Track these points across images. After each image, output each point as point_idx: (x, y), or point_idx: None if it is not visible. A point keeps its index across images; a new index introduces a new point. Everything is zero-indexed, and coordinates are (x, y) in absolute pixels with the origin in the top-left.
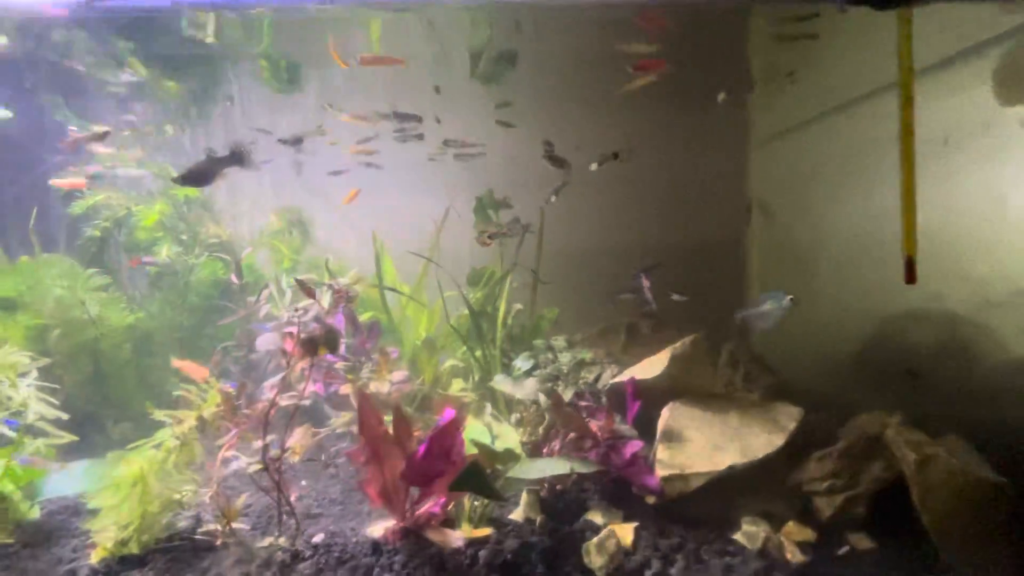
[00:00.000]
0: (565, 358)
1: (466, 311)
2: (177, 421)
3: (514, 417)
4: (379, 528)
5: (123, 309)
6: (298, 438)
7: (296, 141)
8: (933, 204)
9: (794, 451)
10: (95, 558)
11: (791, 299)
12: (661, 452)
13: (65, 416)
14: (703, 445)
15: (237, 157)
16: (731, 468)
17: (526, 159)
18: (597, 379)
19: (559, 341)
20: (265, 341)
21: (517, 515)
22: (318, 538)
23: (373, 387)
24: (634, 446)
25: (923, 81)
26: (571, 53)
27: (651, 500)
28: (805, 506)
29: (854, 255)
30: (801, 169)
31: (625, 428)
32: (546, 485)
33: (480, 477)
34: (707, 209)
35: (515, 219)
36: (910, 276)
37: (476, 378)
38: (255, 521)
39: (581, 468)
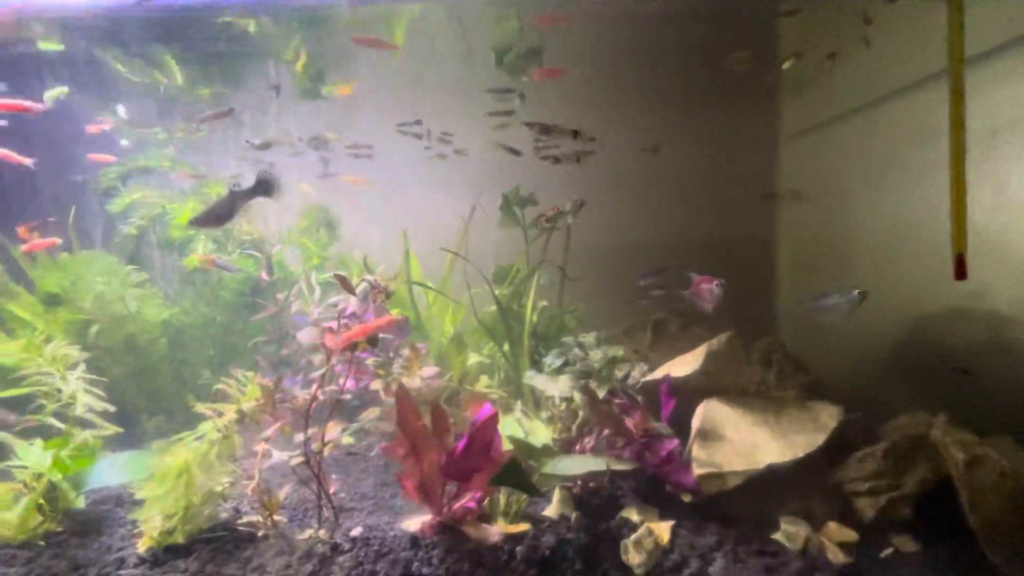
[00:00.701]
0: (596, 355)
1: (490, 308)
2: (218, 414)
3: (545, 414)
4: (416, 522)
5: (159, 304)
6: (334, 433)
7: (264, 146)
8: (981, 198)
9: (833, 451)
10: (142, 547)
11: (860, 293)
12: (697, 450)
13: (112, 408)
14: (740, 443)
15: (263, 186)
16: (770, 467)
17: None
18: (626, 377)
19: (588, 338)
20: (305, 335)
21: (551, 511)
22: (356, 531)
23: (404, 383)
24: (670, 444)
25: (971, 71)
26: (599, 48)
27: (687, 498)
28: (845, 507)
29: (893, 250)
30: (837, 162)
31: (661, 426)
32: (579, 482)
33: (519, 473)
34: (737, 204)
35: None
36: (960, 272)
37: (502, 375)
38: (291, 514)
39: (618, 466)
